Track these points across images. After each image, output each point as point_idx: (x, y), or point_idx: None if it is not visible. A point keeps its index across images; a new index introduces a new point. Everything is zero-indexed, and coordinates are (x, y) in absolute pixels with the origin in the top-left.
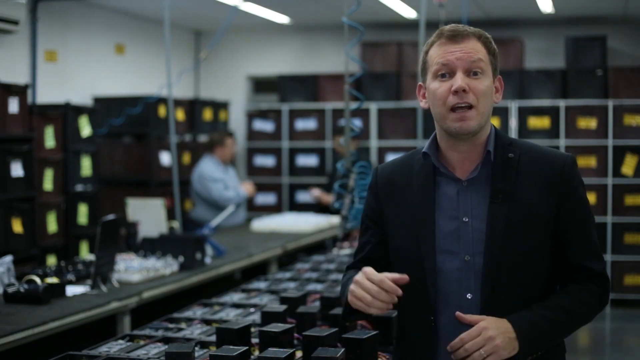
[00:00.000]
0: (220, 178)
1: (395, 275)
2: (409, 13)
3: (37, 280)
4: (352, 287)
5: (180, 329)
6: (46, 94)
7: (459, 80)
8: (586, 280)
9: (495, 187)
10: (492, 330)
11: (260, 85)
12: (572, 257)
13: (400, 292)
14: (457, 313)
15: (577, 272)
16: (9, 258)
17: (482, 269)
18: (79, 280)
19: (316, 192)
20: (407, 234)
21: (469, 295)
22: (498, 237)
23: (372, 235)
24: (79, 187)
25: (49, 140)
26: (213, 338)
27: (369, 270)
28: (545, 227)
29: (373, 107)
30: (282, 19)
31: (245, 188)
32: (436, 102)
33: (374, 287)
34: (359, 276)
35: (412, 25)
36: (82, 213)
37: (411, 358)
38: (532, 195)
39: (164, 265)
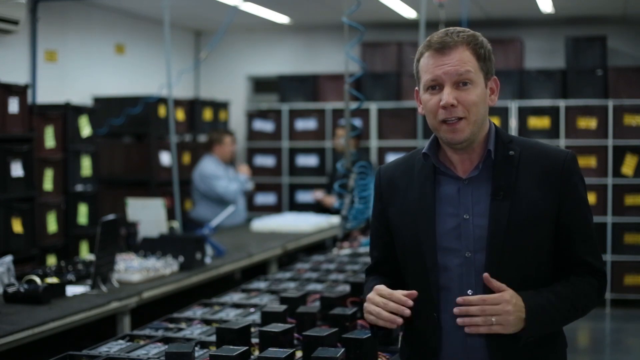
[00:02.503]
0: (222, 175)
1: (405, 292)
2: (409, 13)
3: (37, 280)
4: (365, 305)
5: (180, 329)
6: (46, 94)
7: (446, 95)
8: (586, 274)
9: (496, 184)
10: (511, 306)
11: (260, 85)
12: (572, 252)
13: (410, 303)
14: (485, 275)
15: (576, 266)
16: (9, 258)
17: (484, 265)
18: (79, 280)
19: (319, 195)
20: (410, 233)
21: (469, 292)
22: (500, 233)
23: (381, 236)
24: (79, 187)
25: (49, 140)
26: (213, 338)
27: (380, 286)
28: (546, 223)
29: (373, 107)
30: (282, 19)
31: (241, 170)
32: (428, 114)
33: (382, 299)
34: (371, 294)
35: (412, 25)
36: (82, 213)
37: (415, 354)
38: (533, 191)
39: (164, 265)
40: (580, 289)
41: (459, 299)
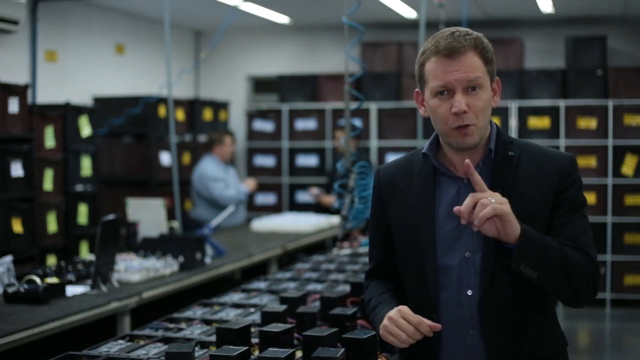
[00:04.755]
0: (220, 177)
1: (430, 323)
2: (409, 13)
3: (37, 280)
4: (385, 322)
5: (180, 329)
6: (46, 94)
7: (458, 102)
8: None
9: (494, 184)
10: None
11: (260, 85)
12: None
13: (431, 334)
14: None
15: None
16: (9, 258)
17: (481, 265)
18: (79, 280)
19: (315, 191)
20: (409, 234)
21: (469, 292)
22: None
23: (381, 237)
24: (79, 187)
25: (49, 140)
26: (213, 338)
27: (405, 309)
28: (542, 223)
29: (373, 107)
30: (282, 19)
31: (247, 184)
32: (437, 119)
33: (410, 327)
34: (393, 313)
35: (412, 25)
36: (82, 213)
37: (416, 355)
38: (530, 192)
39: (164, 265)
40: (571, 252)
41: (456, 209)
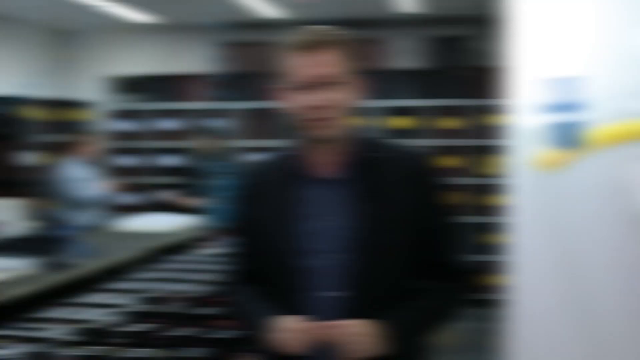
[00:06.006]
0: (82, 178)
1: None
2: (272, 12)
3: None
4: (280, 333)
5: (42, 330)
6: None
7: (314, 98)
8: (446, 277)
9: (360, 186)
10: (354, 328)
11: (123, 85)
12: (430, 252)
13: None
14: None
15: (436, 267)
16: None
17: (347, 267)
18: None
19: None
20: (271, 234)
21: (333, 294)
22: (363, 235)
23: (245, 241)
24: None
25: None
26: (76, 338)
27: (295, 318)
28: (409, 224)
29: (236, 107)
30: (145, 18)
31: (107, 186)
32: (294, 113)
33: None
34: (288, 323)
35: (275, 25)
36: None
37: (280, 355)
38: (395, 193)
39: (27, 266)
40: (438, 296)
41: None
